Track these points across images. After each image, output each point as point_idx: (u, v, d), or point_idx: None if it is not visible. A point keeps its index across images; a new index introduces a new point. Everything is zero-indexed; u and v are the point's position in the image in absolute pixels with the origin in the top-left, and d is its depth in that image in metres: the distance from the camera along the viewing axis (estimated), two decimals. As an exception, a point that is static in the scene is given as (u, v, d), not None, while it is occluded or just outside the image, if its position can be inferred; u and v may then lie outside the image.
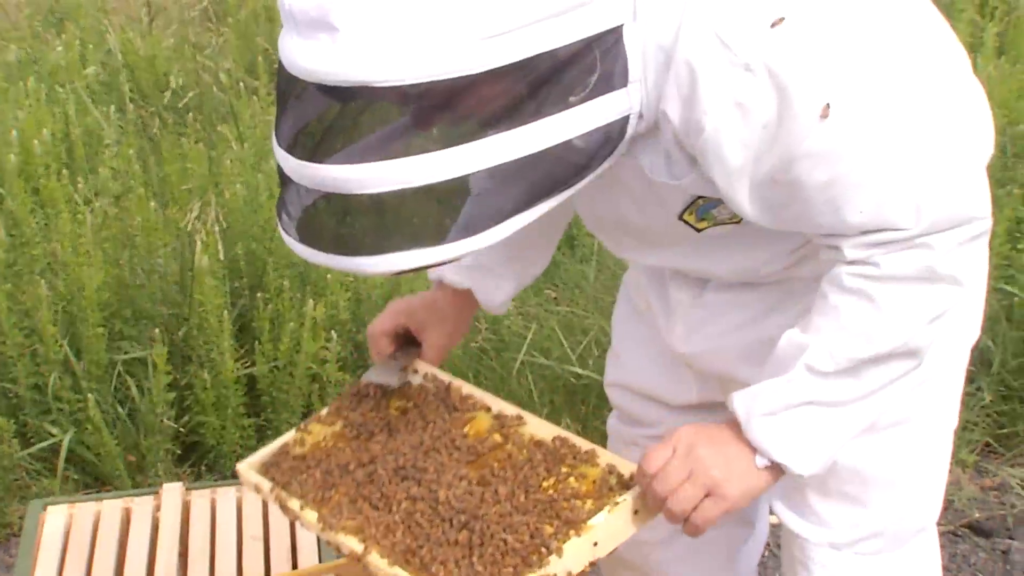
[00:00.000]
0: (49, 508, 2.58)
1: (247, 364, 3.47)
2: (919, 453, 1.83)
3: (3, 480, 3.30)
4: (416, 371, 1.95)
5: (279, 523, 2.54)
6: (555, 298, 3.84)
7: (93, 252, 3.52)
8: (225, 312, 3.39)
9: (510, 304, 2.07)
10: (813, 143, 1.49)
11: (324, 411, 1.94)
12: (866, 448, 1.76)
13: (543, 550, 1.57)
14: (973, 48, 4.50)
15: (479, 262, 1.95)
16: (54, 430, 3.39)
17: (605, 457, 1.70)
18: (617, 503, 1.62)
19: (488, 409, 1.83)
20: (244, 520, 2.54)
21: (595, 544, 1.60)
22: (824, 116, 1.47)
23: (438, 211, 1.46)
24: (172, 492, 2.62)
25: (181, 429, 3.46)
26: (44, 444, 3.39)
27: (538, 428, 1.78)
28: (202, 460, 3.54)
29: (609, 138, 1.52)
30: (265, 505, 2.59)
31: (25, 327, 3.39)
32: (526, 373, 3.54)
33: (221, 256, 3.55)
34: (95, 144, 4.51)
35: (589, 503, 1.63)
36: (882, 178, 1.51)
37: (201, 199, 3.90)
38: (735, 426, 1.61)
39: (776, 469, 1.61)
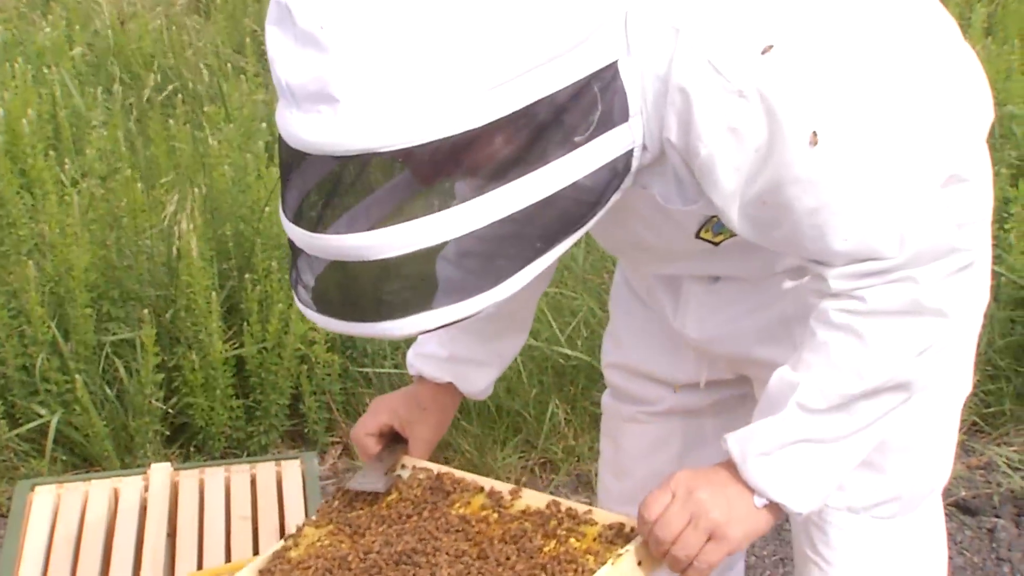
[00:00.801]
0: (37, 488, 2.57)
1: (236, 345, 3.47)
2: (934, 419, 1.85)
3: (-9, 461, 3.31)
4: (404, 466, 1.94)
5: (268, 503, 2.53)
6: (544, 279, 3.83)
7: (80, 233, 3.50)
8: (213, 293, 3.38)
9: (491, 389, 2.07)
10: (802, 169, 1.50)
11: (313, 516, 1.93)
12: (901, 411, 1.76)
13: None
14: (961, 28, 4.50)
15: (457, 354, 1.96)
16: (42, 411, 3.39)
17: (602, 515, 1.69)
18: (620, 555, 1.60)
19: (481, 489, 1.82)
20: (232, 500, 2.54)
21: None
22: (813, 143, 1.48)
23: (457, 267, 1.46)
24: (160, 472, 2.61)
25: (169, 410, 3.46)
26: (32, 425, 3.39)
27: (532, 499, 1.76)
28: (191, 441, 3.53)
29: (616, 173, 1.52)
30: (254, 485, 2.59)
31: (12, 308, 3.38)
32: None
33: (208, 237, 3.54)
34: (82, 125, 4.49)
35: (591, 560, 1.61)
36: (867, 206, 1.53)
37: (189, 180, 3.89)
38: (731, 467, 1.62)
39: (776, 508, 1.62)
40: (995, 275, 3.53)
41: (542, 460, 3.53)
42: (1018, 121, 3.97)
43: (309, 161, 1.43)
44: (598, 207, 1.52)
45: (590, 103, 1.47)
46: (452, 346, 1.96)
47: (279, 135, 1.47)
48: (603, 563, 1.60)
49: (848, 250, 1.54)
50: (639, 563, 1.61)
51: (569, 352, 3.52)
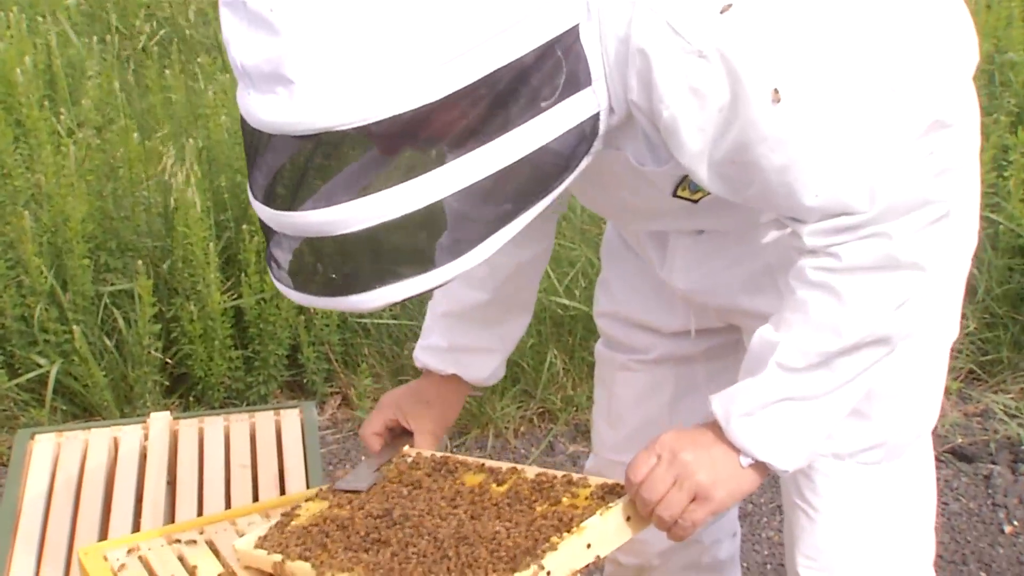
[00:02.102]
0: (37, 437, 2.57)
1: (234, 296, 3.47)
2: (920, 366, 1.85)
3: (-8, 411, 3.31)
4: (407, 455, 1.95)
5: (267, 452, 2.54)
6: (542, 229, 3.82)
7: (77, 184, 3.49)
8: (211, 244, 3.37)
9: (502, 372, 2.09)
10: (767, 127, 1.50)
11: (312, 492, 1.94)
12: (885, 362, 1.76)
13: (537, 551, 1.56)
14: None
15: (457, 343, 1.99)
16: (41, 361, 3.39)
17: (595, 479, 1.70)
18: (609, 508, 1.62)
19: (482, 467, 1.82)
20: (232, 449, 2.54)
21: (588, 546, 1.59)
22: (776, 101, 1.48)
23: (423, 238, 1.47)
24: (160, 421, 2.61)
25: (168, 361, 3.46)
26: (32, 375, 3.39)
27: (530, 472, 1.77)
28: (190, 391, 3.54)
29: (583, 138, 1.52)
30: (253, 434, 2.59)
31: (10, 258, 3.38)
32: (513, 303, 3.53)
33: (205, 188, 3.52)
34: (78, 75, 4.46)
35: (582, 510, 1.63)
36: (835, 162, 1.52)
37: (185, 131, 3.86)
38: (716, 427, 1.63)
39: (761, 467, 1.63)
40: (993, 223, 3.52)
41: (540, 410, 3.54)
42: (1017, 69, 3.94)
43: (269, 140, 1.44)
44: (567, 172, 1.52)
45: (550, 70, 1.46)
46: (452, 336, 1.99)
47: (241, 115, 1.48)
48: (592, 514, 1.62)
49: (819, 206, 1.54)
50: (627, 519, 1.63)
51: (567, 303, 3.52)
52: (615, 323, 2.10)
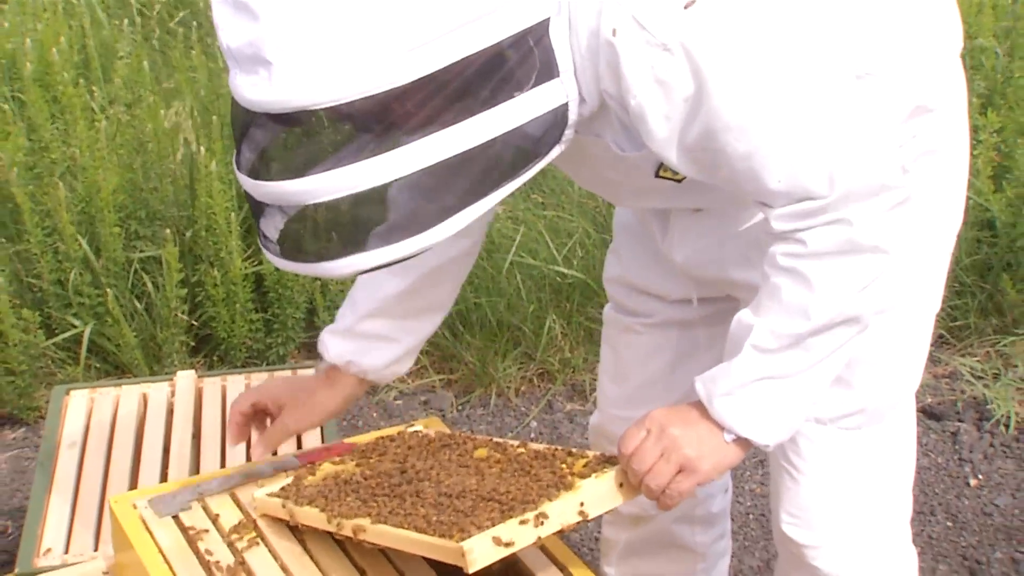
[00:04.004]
0: (72, 393, 2.60)
1: (254, 263, 3.47)
2: (902, 337, 1.85)
3: (30, 367, 3.32)
4: (421, 431, 1.96)
5: (285, 407, 2.55)
6: (542, 203, 3.83)
7: (108, 157, 3.49)
8: (232, 214, 3.37)
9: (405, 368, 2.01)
10: (731, 117, 1.50)
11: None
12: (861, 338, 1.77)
13: (533, 503, 1.58)
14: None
15: (363, 328, 1.94)
16: (76, 322, 3.40)
17: (593, 452, 1.72)
18: (604, 472, 1.64)
19: (489, 441, 1.83)
20: (252, 405, 2.56)
21: (581, 504, 1.60)
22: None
23: (391, 211, 1.48)
24: (186, 379, 2.64)
25: (194, 323, 3.47)
26: (67, 335, 3.41)
27: (535, 446, 1.78)
28: (214, 351, 3.56)
29: (552, 126, 1.52)
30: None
31: (47, 226, 3.39)
32: (515, 273, 3.55)
33: (227, 161, 3.52)
34: (109, 55, 4.45)
35: (578, 475, 1.65)
36: (795, 148, 1.52)
37: (206, 108, 3.86)
38: (701, 406, 1.64)
39: (744, 442, 1.64)
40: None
41: (540, 371, 3.55)
42: (987, 53, 3.93)
43: (252, 117, 1.46)
44: (537, 157, 1.53)
45: (519, 60, 1.47)
46: (360, 319, 1.95)
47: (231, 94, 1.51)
48: (587, 476, 1.64)
49: (782, 191, 1.54)
50: (620, 485, 1.64)
51: (565, 271, 3.53)
52: (622, 289, 2.10)
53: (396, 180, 1.44)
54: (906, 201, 1.57)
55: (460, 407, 3.45)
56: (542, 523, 1.56)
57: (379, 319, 1.94)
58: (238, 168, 1.52)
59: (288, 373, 2.67)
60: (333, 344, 1.96)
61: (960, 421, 3.31)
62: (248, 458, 2.38)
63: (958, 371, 3.47)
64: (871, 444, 1.88)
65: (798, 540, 1.91)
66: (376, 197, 1.45)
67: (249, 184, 1.51)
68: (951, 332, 3.56)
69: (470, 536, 1.52)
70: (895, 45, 1.67)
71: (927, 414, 3.34)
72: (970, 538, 2.92)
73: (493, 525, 1.54)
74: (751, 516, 3.00)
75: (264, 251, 1.57)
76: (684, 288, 2.00)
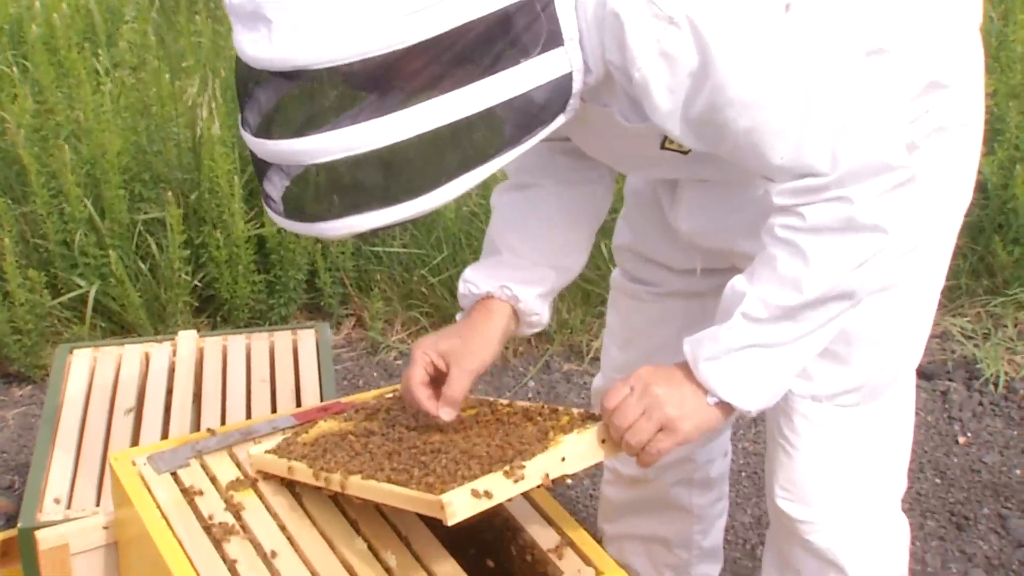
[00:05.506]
0: (75, 352, 2.58)
1: (256, 225, 3.44)
2: (903, 316, 1.81)
3: (37, 326, 3.30)
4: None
5: (284, 368, 2.54)
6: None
7: (113, 120, 3.45)
8: (235, 177, 3.34)
9: (547, 317, 1.83)
10: (735, 92, 1.46)
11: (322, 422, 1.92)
12: (855, 312, 1.72)
13: (511, 459, 1.55)
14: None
15: (507, 261, 1.80)
16: (81, 282, 3.37)
17: (578, 410, 1.69)
18: (586, 428, 1.61)
19: (481, 401, 1.80)
20: (252, 365, 2.54)
21: (563, 459, 1.57)
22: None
23: (387, 175, 1.44)
24: (187, 339, 2.61)
25: (197, 284, 3.44)
26: (73, 294, 3.38)
27: (522, 404, 1.76)
28: (218, 312, 3.53)
29: (556, 95, 1.49)
30: (272, 351, 2.59)
31: (52, 188, 3.36)
32: (513, 233, 3.50)
33: (230, 125, 3.48)
34: (115, 20, 4.39)
35: (561, 431, 1.62)
36: (799, 126, 1.48)
37: (210, 71, 3.81)
38: (687, 367, 1.61)
39: (726, 406, 1.60)
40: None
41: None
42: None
43: (254, 75, 1.44)
44: (541, 126, 1.49)
45: (522, 28, 1.43)
46: (508, 255, 1.82)
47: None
48: (569, 432, 1.61)
49: (785, 167, 1.51)
50: (602, 441, 1.62)
51: (563, 232, 3.48)
52: (630, 256, 2.07)
53: (395, 144, 1.41)
54: (910, 181, 1.53)
55: (459, 366, 3.43)
56: (523, 477, 1.53)
57: (524, 251, 1.81)
58: (241, 126, 1.50)
59: (290, 333, 2.64)
60: (482, 276, 1.79)
61: (950, 380, 3.29)
62: (248, 416, 2.36)
63: (949, 331, 3.44)
64: (867, 421, 1.84)
65: (792, 515, 1.89)
66: (375, 160, 1.42)
67: (251, 142, 1.48)
68: (943, 293, 3.50)
69: (450, 489, 1.50)
70: (912, 19, 1.62)
71: (918, 374, 3.27)
72: (958, 494, 2.90)
73: (474, 479, 1.52)
74: (743, 474, 2.98)
75: (267, 210, 1.54)
76: (689, 258, 1.96)
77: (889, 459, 1.91)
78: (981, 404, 3.21)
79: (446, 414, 1.70)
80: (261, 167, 1.50)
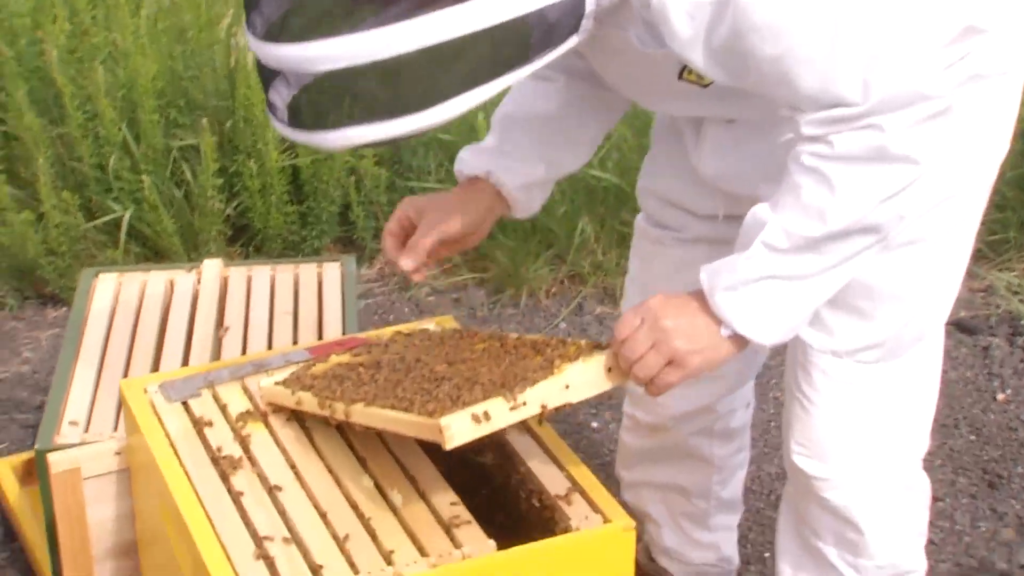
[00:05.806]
0: (101, 276, 2.56)
1: (291, 156, 3.40)
2: (931, 271, 1.74)
3: (71, 248, 3.30)
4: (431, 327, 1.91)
5: (308, 300, 2.51)
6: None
7: (149, 45, 3.41)
8: (270, 105, 3.28)
9: (537, 206, 1.85)
10: (760, 17, 1.39)
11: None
12: (880, 265, 1.66)
13: (514, 385, 1.52)
14: None
15: (505, 147, 1.81)
16: (115, 207, 3.36)
17: (586, 341, 1.65)
18: (592, 357, 1.58)
19: (493, 335, 1.77)
20: (276, 296, 2.51)
21: (566, 387, 1.54)
22: None
23: (391, 87, 1.40)
24: (212, 267, 2.59)
25: (231, 212, 3.42)
26: (107, 218, 3.37)
27: (534, 337, 1.72)
28: (251, 241, 3.51)
29: (567, 14, 1.43)
30: (297, 284, 2.56)
31: (87, 111, 3.33)
32: (549, 172, 3.43)
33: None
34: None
35: (567, 359, 1.59)
36: (828, 53, 1.40)
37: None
38: (702, 297, 1.55)
39: (740, 339, 1.55)
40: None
41: (571, 273, 3.47)
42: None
43: None
44: (551, 46, 1.44)
45: None
46: (502, 138, 1.83)
47: None
48: (576, 360, 1.58)
49: (813, 96, 1.43)
50: (609, 370, 1.58)
51: (600, 174, 3.42)
52: (653, 199, 2.01)
53: (402, 56, 1.36)
54: (947, 112, 1.44)
55: (491, 306, 3.39)
56: (524, 403, 1.51)
57: (522, 139, 1.82)
58: (248, 28, 1.45)
59: (315, 266, 2.61)
60: (474, 158, 1.82)
61: (993, 335, 3.19)
62: (269, 347, 2.34)
63: (994, 285, 3.34)
64: (889, 379, 1.78)
65: (807, 471, 1.83)
66: (380, 71, 1.37)
67: (254, 44, 1.44)
68: (989, 246, 3.42)
69: (450, 414, 1.47)
70: None
71: (960, 328, 3.22)
72: (993, 452, 2.82)
73: (475, 404, 1.49)
74: (773, 424, 2.92)
75: (271, 119, 1.50)
76: (712, 203, 1.89)
77: (910, 418, 1.84)
78: (1023, 361, 3.11)
79: (405, 263, 1.75)
80: (267, 75, 1.46)
